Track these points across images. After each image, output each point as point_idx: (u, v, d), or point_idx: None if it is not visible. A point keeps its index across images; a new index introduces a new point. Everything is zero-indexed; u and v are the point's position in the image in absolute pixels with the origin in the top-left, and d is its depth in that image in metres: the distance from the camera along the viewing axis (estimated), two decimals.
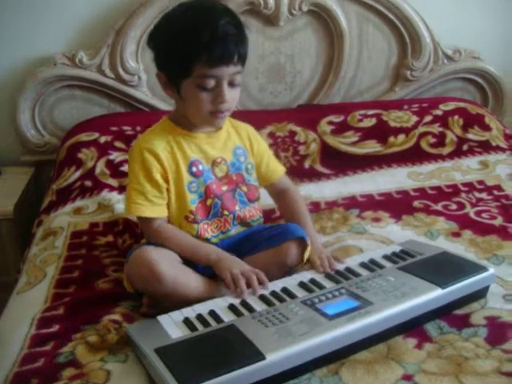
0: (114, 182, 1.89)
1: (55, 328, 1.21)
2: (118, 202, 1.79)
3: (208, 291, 1.24)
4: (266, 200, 1.57)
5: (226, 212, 1.38)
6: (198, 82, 1.24)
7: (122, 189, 1.86)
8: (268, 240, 1.37)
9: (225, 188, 1.39)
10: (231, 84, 1.27)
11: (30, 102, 2.20)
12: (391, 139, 2.17)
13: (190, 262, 1.30)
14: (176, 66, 1.26)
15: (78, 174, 1.92)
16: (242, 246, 1.38)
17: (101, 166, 1.93)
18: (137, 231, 1.63)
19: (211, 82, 1.24)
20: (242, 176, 1.42)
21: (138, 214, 1.33)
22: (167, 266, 1.20)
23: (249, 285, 1.22)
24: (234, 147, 1.42)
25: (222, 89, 1.25)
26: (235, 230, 1.42)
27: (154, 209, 1.32)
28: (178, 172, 1.33)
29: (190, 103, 1.29)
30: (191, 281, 1.24)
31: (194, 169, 1.34)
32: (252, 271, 1.26)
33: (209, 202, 1.36)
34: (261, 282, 1.24)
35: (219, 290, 1.25)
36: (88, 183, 1.88)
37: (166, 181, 1.32)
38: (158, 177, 1.30)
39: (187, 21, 1.25)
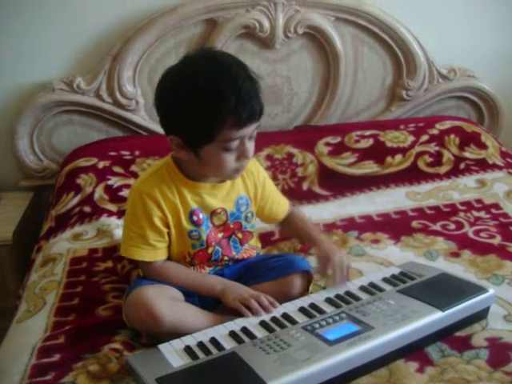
0: (112, 207, 1.89)
1: (56, 357, 1.20)
2: (117, 227, 1.78)
3: (209, 326, 1.22)
4: (264, 223, 1.57)
5: (225, 258, 1.39)
6: (222, 145, 1.20)
7: (121, 213, 1.85)
8: (270, 271, 1.37)
9: (220, 235, 1.38)
10: (250, 138, 1.25)
11: (28, 128, 2.21)
12: (388, 159, 2.17)
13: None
14: (197, 133, 1.20)
15: (76, 199, 1.92)
16: (242, 276, 1.39)
17: (99, 192, 1.93)
18: None
19: (236, 143, 1.21)
20: (240, 224, 1.40)
21: (137, 257, 1.32)
22: (165, 306, 1.19)
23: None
24: (237, 197, 1.38)
25: (247, 147, 1.23)
26: (232, 262, 1.43)
27: (156, 252, 1.32)
28: (178, 220, 1.31)
29: (214, 165, 1.25)
30: (191, 318, 1.23)
31: (195, 218, 1.33)
32: (259, 294, 1.27)
33: (210, 250, 1.36)
34: (270, 303, 1.26)
35: (221, 322, 1.23)
36: (87, 209, 1.88)
37: (167, 226, 1.31)
38: (158, 223, 1.29)
39: (207, 88, 1.16)
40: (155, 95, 1.27)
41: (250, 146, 1.25)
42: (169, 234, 1.33)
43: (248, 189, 1.40)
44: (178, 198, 1.31)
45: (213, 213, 1.35)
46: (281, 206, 1.49)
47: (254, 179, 1.41)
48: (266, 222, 1.53)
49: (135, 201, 1.30)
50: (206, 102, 1.16)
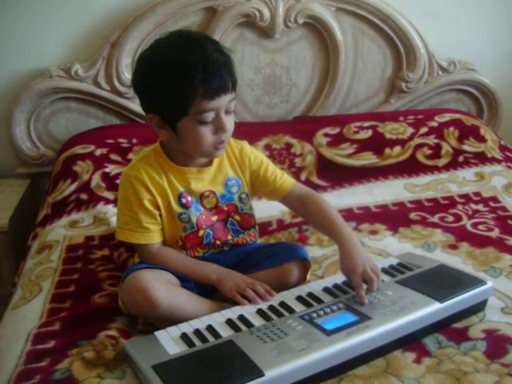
0: (109, 195, 1.87)
1: (51, 344, 1.20)
2: (113, 215, 1.77)
3: (206, 312, 1.22)
4: (261, 213, 1.56)
5: (218, 242, 1.38)
6: (197, 117, 1.22)
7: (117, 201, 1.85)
8: (268, 259, 1.36)
9: (215, 218, 1.38)
10: (227, 112, 1.26)
11: (25, 115, 2.19)
12: (387, 151, 2.17)
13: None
14: (171, 106, 1.23)
15: (73, 186, 1.91)
16: (239, 263, 1.38)
17: (96, 179, 1.92)
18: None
19: (211, 115, 1.23)
20: (235, 205, 1.40)
21: (132, 240, 1.33)
22: (162, 291, 1.19)
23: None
24: (225, 179, 1.39)
25: (222, 119, 1.24)
26: (227, 247, 1.42)
27: (151, 235, 1.32)
28: (168, 202, 1.32)
29: (191, 140, 1.26)
30: (188, 304, 1.23)
31: (184, 200, 1.34)
32: (255, 282, 1.27)
33: (201, 233, 1.36)
34: (267, 291, 1.25)
35: (218, 309, 1.23)
36: (84, 196, 1.87)
37: (158, 208, 1.32)
38: (148, 205, 1.30)
39: (175, 60, 1.20)
40: (132, 77, 1.31)
41: (228, 120, 1.26)
42: (160, 216, 1.33)
43: (237, 170, 1.40)
44: (165, 181, 1.32)
45: (202, 196, 1.36)
46: (285, 180, 1.44)
47: (240, 159, 1.41)
48: (272, 198, 1.47)
49: (125, 186, 1.32)
50: (175, 73, 1.20)
